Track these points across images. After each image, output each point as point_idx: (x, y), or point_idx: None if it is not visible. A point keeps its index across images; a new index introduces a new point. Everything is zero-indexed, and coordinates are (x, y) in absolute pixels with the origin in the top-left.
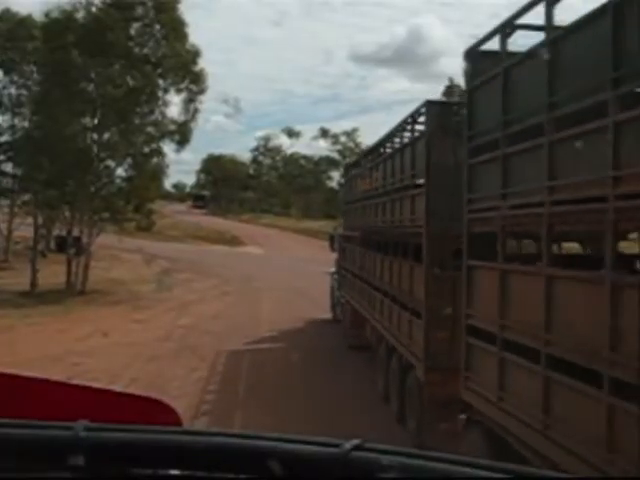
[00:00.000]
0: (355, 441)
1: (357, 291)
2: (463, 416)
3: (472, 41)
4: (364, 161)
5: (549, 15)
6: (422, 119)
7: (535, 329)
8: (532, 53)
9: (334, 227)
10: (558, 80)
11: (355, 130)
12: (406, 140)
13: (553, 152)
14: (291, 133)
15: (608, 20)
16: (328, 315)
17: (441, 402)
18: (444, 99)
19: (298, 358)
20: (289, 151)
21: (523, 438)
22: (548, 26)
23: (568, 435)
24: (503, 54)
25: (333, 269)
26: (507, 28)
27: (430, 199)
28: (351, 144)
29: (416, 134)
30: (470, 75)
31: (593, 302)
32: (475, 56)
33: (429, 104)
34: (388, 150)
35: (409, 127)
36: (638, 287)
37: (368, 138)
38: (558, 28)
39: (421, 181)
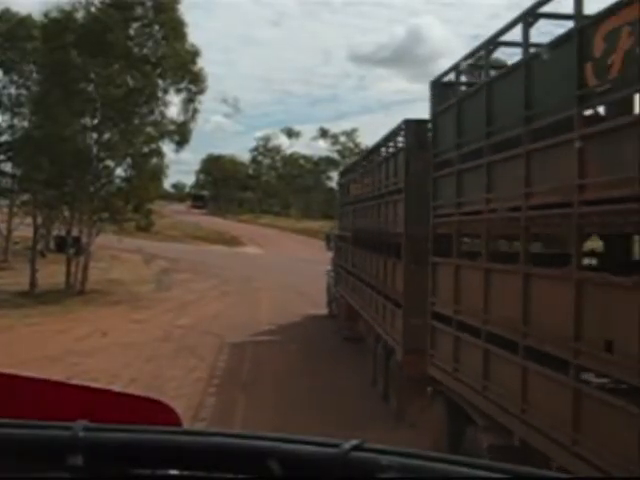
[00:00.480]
0: (354, 441)
1: (350, 287)
2: (430, 389)
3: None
4: (356, 168)
5: (487, 58)
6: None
7: (476, 311)
8: (475, 91)
9: (330, 228)
10: (493, 114)
11: (354, 130)
12: (391, 152)
13: (490, 171)
14: (290, 133)
15: (521, 74)
16: (325, 311)
17: (416, 379)
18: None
19: (296, 350)
20: (288, 151)
21: (469, 399)
22: (486, 67)
23: (499, 393)
24: (457, 88)
25: (329, 267)
26: (459, 67)
27: (408, 205)
28: (350, 144)
29: (400, 145)
30: (434, 102)
31: (515, 288)
32: (438, 87)
33: (407, 122)
34: (376, 160)
35: (392, 141)
36: (543, 277)
37: (367, 138)
38: (500, 67)
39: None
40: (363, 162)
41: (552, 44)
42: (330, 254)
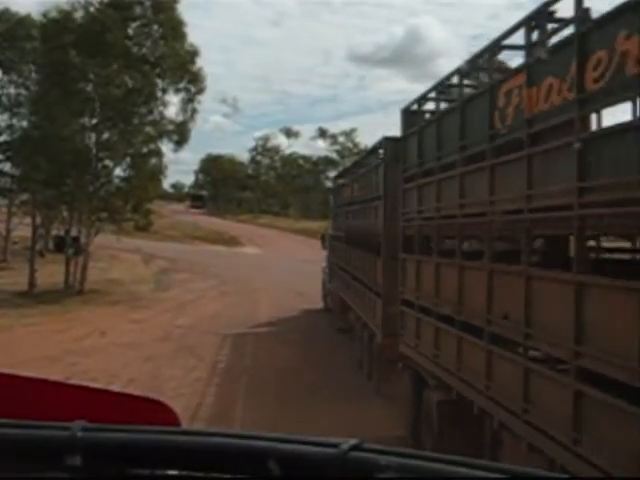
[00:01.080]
0: (353, 441)
1: (343, 282)
2: (400, 364)
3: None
4: (346, 175)
5: (439, 98)
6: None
7: (430, 296)
8: (430, 122)
9: (325, 228)
10: (442, 142)
11: (353, 130)
12: (373, 163)
13: (440, 186)
14: (289, 133)
15: (457, 114)
16: (321, 306)
17: (393, 359)
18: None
19: (294, 340)
20: (287, 151)
21: (424, 366)
22: (439, 98)
23: (444, 358)
24: (420, 117)
25: (324, 264)
26: (421, 101)
27: (386, 210)
28: (349, 144)
29: (380, 156)
30: (404, 126)
31: (453, 277)
32: (407, 113)
33: (385, 140)
34: (362, 169)
35: (375, 154)
36: (469, 268)
37: (367, 138)
38: (453, 100)
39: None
40: (352, 170)
41: (477, 94)
42: (325, 252)
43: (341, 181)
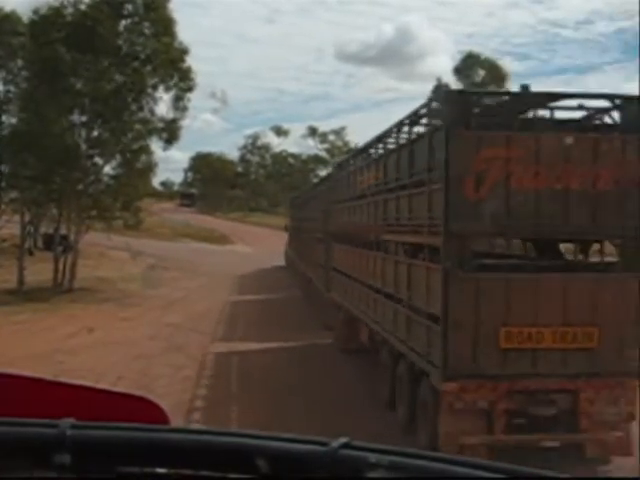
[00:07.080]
0: (343, 439)
1: (293, 248)
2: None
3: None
4: (294, 201)
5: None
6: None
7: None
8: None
9: (286, 221)
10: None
11: (343, 129)
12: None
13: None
14: (279, 131)
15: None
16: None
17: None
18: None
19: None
20: (277, 149)
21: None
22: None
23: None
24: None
25: (287, 240)
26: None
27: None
28: (339, 142)
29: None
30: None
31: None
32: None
33: (292, 198)
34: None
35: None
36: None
37: (357, 136)
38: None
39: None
40: (297, 197)
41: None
42: (286, 235)
43: (295, 202)
